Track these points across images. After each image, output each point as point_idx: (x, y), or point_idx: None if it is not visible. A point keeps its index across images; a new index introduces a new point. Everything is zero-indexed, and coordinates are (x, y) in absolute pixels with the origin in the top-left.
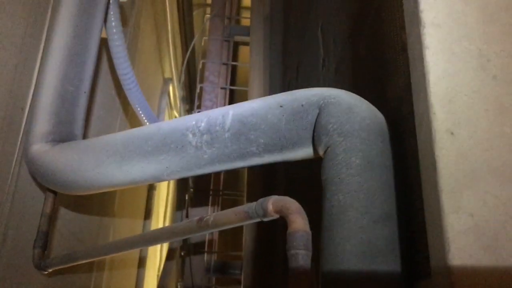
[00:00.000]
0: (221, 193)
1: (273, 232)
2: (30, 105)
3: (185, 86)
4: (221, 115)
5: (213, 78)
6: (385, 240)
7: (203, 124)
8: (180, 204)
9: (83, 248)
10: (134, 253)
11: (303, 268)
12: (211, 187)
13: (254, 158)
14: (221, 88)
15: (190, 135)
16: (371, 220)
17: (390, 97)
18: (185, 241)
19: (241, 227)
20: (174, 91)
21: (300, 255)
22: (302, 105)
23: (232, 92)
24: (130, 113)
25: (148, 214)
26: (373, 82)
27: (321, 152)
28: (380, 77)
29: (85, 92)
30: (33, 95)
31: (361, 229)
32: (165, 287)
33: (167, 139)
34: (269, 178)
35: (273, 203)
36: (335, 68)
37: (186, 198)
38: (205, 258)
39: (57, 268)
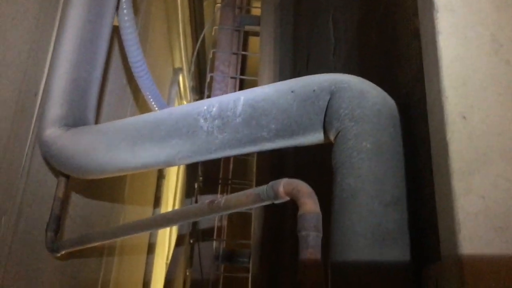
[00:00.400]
0: (230, 181)
1: (280, 221)
2: (43, 90)
3: (194, 76)
4: (232, 100)
5: (223, 68)
6: (394, 223)
7: (214, 109)
8: (189, 192)
9: (95, 231)
10: (144, 239)
11: (314, 249)
12: (220, 176)
13: (265, 143)
14: (231, 77)
15: (202, 120)
16: (381, 204)
17: (401, 83)
18: (194, 227)
19: (250, 215)
20: (184, 81)
21: (311, 236)
22: (314, 90)
23: (241, 82)
24: (141, 101)
25: (157, 202)
26: (384, 69)
27: (332, 137)
28: (391, 64)
29: (97, 78)
30: (46, 80)
31: (371, 212)
32: (174, 274)
33: (178, 123)
34: (277, 165)
35: (284, 186)
36: (346, 56)
37: (196, 186)
38: (214, 246)
39: (69, 250)
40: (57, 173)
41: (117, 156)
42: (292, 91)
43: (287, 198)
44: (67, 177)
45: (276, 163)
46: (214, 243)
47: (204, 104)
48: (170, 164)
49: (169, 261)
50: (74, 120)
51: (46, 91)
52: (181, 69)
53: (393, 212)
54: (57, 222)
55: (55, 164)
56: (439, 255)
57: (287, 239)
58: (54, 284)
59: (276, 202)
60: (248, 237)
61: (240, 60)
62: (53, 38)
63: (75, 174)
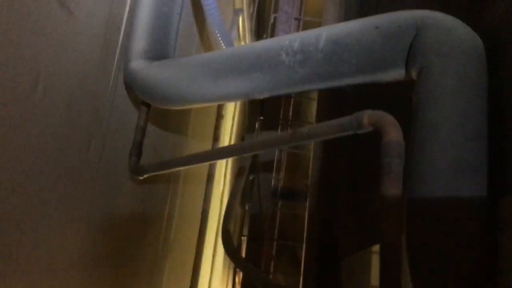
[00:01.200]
0: (289, 122)
1: (338, 162)
2: (128, 25)
3: (254, 17)
4: (314, 36)
5: (288, 8)
6: (475, 156)
7: (296, 44)
8: (250, 129)
9: (175, 158)
10: (204, 169)
11: (396, 175)
12: (281, 116)
13: (345, 79)
14: (295, 18)
15: (284, 55)
16: (463, 138)
17: (488, 22)
18: (254, 160)
19: (303, 157)
20: (243, 22)
21: (394, 163)
22: (399, 27)
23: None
24: (205, 40)
25: (216, 139)
26: (468, 9)
27: (414, 74)
28: (476, 3)
29: (177, 14)
30: (131, 15)
31: (452, 145)
32: (233, 206)
33: (261, 58)
34: (338, 106)
35: (368, 116)
36: None
37: (257, 125)
38: (272, 183)
39: (151, 174)
40: (137, 103)
41: (200, 87)
42: (376, 27)
43: (371, 128)
44: (148, 106)
45: (336, 104)
46: (273, 181)
47: (286, 39)
48: (250, 96)
49: (230, 192)
50: (157, 53)
51: (132, 26)
52: (241, 9)
53: (474, 146)
54: (139, 148)
55: (139, 94)
56: None
57: (344, 180)
58: (129, 206)
59: (359, 132)
60: (300, 177)
61: (305, 1)
62: None
63: (158, 103)
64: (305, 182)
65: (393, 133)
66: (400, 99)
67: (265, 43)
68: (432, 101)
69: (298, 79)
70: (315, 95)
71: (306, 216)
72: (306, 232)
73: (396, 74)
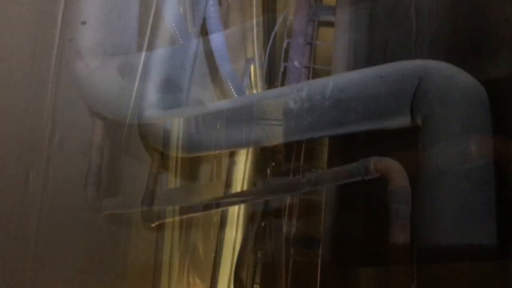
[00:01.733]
0: (301, 169)
1: (350, 208)
2: (143, 76)
3: (263, 66)
4: (321, 85)
5: (297, 57)
6: (482, 203)
7: (304, 93)
8: (261, 176)
9: (187, 205)
10: (216, 216)
11: (404, 221)
12: (292, 162)
13: (352, 126)
14: (305, 67)
15: (292, 103)
16: (469, 184)
17: (490, 69)
18: (266, 207)
19: (315, 203)
20: (255, 70)
21: (401, 209)
22: (402, 76)
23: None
24: (218, 89)
25: (228, 185)
26: (472, 54)
27: (419, 121)
28: (480, 50)
29: (190, 65)
30: (145, 67)
31: (458, 192)
32: (245, 255)
33: (270, 106)
34: (348, 151)
35: (374, 163)
36: (430, 45)
37: (268, 171)
38: (285, 229)
39: (163, 221)
40: (150, 151)
41: (212, 136)
42: (380, 76)
43: (377, 175)
44: (161, 154)
45: (347, 153)
46: (285, 227)
47: (294, 88)
48: (260, 144)
49: (242, 240)
50: (170, 102)
51: (145, 76)
52: (253, 59)
53: (481, 192)
54: (151, 196)
55: (152, 142)
56: None
57: (358, 225)
58: (141, 254)
59: (366, 178)
60: (313, 224)
61: (314, 50)
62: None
63: (171, 151)
64: (318, 228)
65: (399, 179)
66: (408, 143)
67: (274, 92)
68: (437, 148)
69: (307, 126)
70: (326, 141)
71: (319, 263)
72: (320, 280)
73: (401, 121)
